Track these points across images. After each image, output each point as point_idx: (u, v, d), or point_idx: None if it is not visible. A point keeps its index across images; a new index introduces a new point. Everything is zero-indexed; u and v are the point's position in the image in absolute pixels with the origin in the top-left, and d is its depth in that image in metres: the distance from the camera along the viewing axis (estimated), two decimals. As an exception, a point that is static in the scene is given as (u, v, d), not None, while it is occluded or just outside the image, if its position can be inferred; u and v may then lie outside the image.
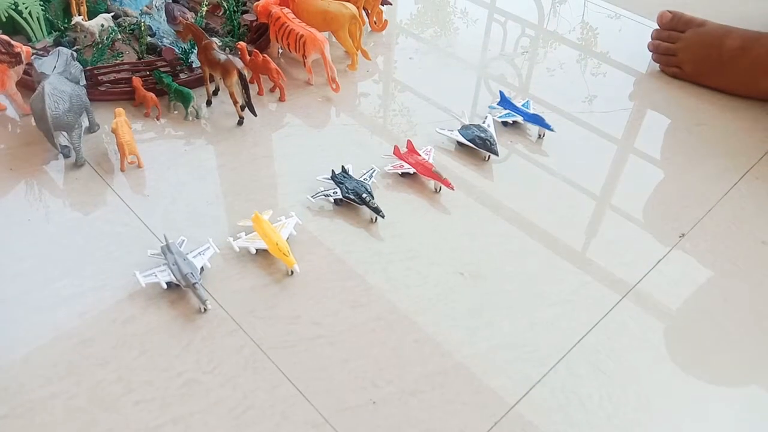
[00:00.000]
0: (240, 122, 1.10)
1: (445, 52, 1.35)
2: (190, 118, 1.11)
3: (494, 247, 0.93)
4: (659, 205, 1.02)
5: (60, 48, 1.04)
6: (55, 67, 1.01)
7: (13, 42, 1.06)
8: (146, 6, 1.34)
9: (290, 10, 1.20)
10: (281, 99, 1.17)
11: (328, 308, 0.82)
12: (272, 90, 1.19)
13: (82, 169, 1.01)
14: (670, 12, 1.24)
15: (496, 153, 1.05)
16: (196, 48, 1.11)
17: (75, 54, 1.05)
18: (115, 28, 1.20)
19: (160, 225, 0.93)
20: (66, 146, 1.02)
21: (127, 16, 1.29)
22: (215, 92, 1.16)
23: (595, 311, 0.85)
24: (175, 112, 1.13)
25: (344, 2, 1.23)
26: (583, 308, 0.85)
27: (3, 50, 1.04)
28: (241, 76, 1.05)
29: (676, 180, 1.07)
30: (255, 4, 1.21)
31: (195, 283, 0.80)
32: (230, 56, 1.06)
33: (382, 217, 0.93)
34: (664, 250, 0.94)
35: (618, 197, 1.03)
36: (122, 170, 1.01)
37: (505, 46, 1.38)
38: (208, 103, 1.14)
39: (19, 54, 1.06)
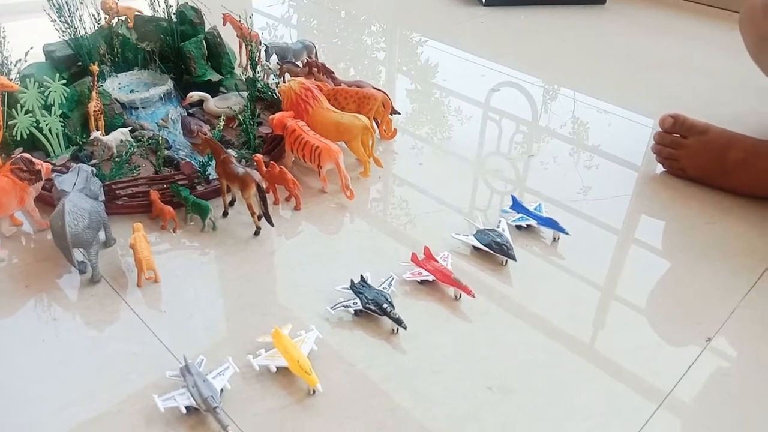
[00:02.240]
0: (257, 233, 1.11)
1: (452, 154, 1.39)
2: (207, 230, 1.12)
3: (520, 356, 0.91)
4: (681, 306, 1.01)
5: (80, 165, 1.06)
6: (75, 184, 1.02)
7: (34, 159, 1.08)
8: (162, 119, 1.38)
9: (304, 123, 1.24)
10: (297, 208, 1.18)
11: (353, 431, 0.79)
12: (287, 199, 1.20)
13: (97, 286, 1.00)
14: (671, 116, 1.28)
15: (513, 258, 1.05)
16: (213, 161, 1.14)
17: (94, 171, 1.07)
18: (133, 143, 1.22)
19: (178, 343, 0.91)
20: (82, 262, 1.02)
21: (144, 129, 1.33)
22: (231, 203, 1.17)
23: (631, 424, 0.82)
24: (192, 223, 1.14)
25: (356, 114, 1.28)
26: (617, 421, 0.82)
27: (24, 168, 1.06)
28: (259, 188, 1.06)
29: (694, 280, 1.06)
30: (270, 117, 1.25)
31: (215, 407, 0.77)
32: (248, 169, 1.08)
33: (404, 328, 0.92)
34: (692, 355, 0.92)
35: (639, 299, 1.02)
36: (139, 286, 1.00)
37: (511, 149, 1.42)
38: (225, 214, 1.15)
39: (39, 171, 1.07)
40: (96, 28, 1.42)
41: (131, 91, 1.41)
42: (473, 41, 1.97)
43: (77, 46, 1.35)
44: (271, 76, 1.53)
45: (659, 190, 1.29)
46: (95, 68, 1.27)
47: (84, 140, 1.25)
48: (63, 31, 1.34)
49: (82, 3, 1.35)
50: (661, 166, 1.33)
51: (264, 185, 1.09)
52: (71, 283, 1.01)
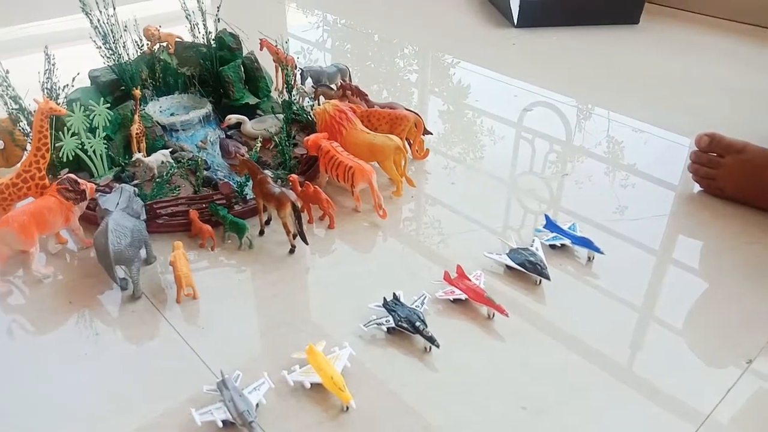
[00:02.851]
0: (292, 251, 1.13)
1: (484, 174, 1.39)
2: (244, 248, 1.14)
3: (554, 376, 0.90)
4: (721, 328, 0.99)
5: (122, 185, 1.10)
6: (117, 203, 1.06)
7: (79, 180, 1.12)
8: (201, 141, 1.42)
9: (338, 144, 1.26)
10: (330, 226, 1.20)
11: (387, 447, 0.80)
12: (321, 218, 1.22)
13: (138, 302, 1.03)
14: (707, 135, 1.26)
15: (547, 277, 1.04)
16: (251, 181, 1.17)
17: (136, 190, 1.10)
18: (174, 164, 1.26)
19: (215, 358, 0.92)
20: (124, 278, 1.05)
21: (183, 150, 1.37)
22: (267, 222, 1.19)
23: (669, 447, 0.80)
24: (229, 241, 1.16)
25: (388, 134, 1.30)
26: (655, 444, 0.80)
27: (70, 188, 1.10)
28: (294, 208, 1.08)
29: (734, 301, 1.04)
30: (305, 138, 1.28)
31: (251, 422, 0.78)
32: (284, 189, 1.10)
33: (437, 346, 0.92)
34: (732, 377, 0.90)
35: (676, 319, 1.00)
36: (178, 302, 1.02)
37: (544, 168, 1.42)
38: (261, 233, 1.17)
39: (83, 191, 1.12)
40: (138, 54, 1.48)
41: (171, 114, 1.46)
42: (505, 62, 1.98)
43: (121, 71, 1.40)
44: (306, 98, 1.57)
45: (697, 210, 1.27)
46: (137, 92, 1.32)
47: (126, 161, 1.30)
48: (108, 57, 1.40)
49: (126, 30, 1.41)
50: (698, 185, 1.32)
51: (299, 205, 1.11)
52: (113, 300, 1.04)
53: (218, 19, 1.47)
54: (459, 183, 1.37)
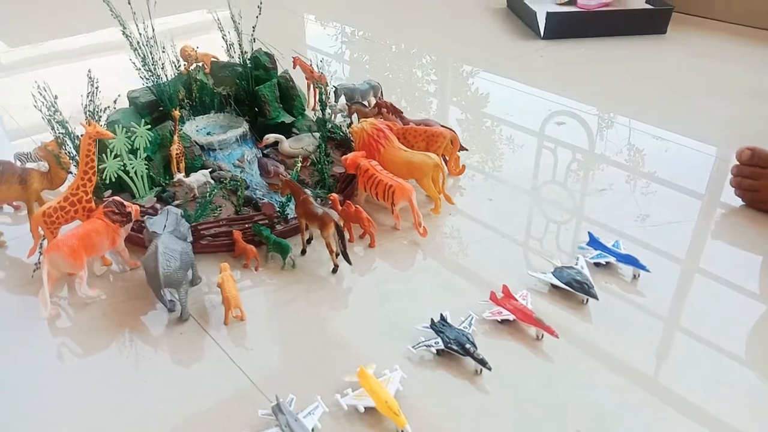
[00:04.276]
0: (334, 270, 1.13)
1: (520, 189, 1.39)
2: (287, 268, 1.15)
3: (606, 400, 0.89)
4: (774, 348, 0.98)
5: (169, 207, 1.11)
6: (165, 225, 1.07)
7: (125, 202, 1.13)
8: (238, 159, 1.43)
9: (377, 162, 1.27)
10: (371, 245, 1.20)
11: (444, 472, 0.79)
12: (361, 236, 1.22)
13: (186, 324, 1.04)
14: (749, 149, 1.26)
15: (595, 297, 1.04)
16: (291, 201, 1.17)
17: (182, 212, 1.11)
18: (216, 186, 1.27)
19: (265, 380, 0.93)
20: (171, 300, 1.06)
21: (222, 170, 1.38)
22: (309, 240, 1.20)
23: (729, 472, 0.79)
24: (271, 261, 1.17)
25: (426, 152, 1.30)
26: (714, 469, 0.79)
27: (116, 210, 1.11)
28: (337, 228, 1.09)
29: (785, 320, 1.03)
30: (343, 157, 1.28)
31: (309, 447, 0.79)
32: (327, 209, 1.11)
33: (489, 369, 0.91)
34: (790, 400, 0.89)
35: (727, 340, 0.99)
36: (226, 324, 1.03)
37: (586, 184, 1.41)
38: (303, 252, 1.18)
39: (129, 213, 1.13)
40: (176, 73, 1.49)
41: (208, 134, 1.47)
42: (534, 74, 1.98)
43: (159, 92, 1.42)
44: (338, 115, 1.57)
45: (743, 224, 1.26)
46: (177, 113, 1.33)
47: (167, 182, 1.31)
48: (147, 79, 1.42)
49: (164, 51, 1.42)
50: (741, 199, 1.30)
51: (342, 224, 1.11)
52: (160, 321, 1.05)
53: (254, 39, 1.48)
54: (496, 199, 1.36)
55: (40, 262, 1.12)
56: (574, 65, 2.05)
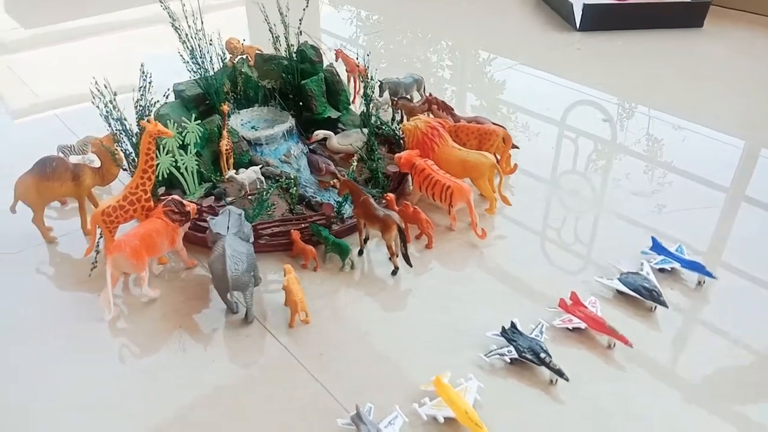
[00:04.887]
0: (394, 272, 1.12)
1: (570, 191, 1.37)
2: (346, 269, 1.13)
3: (683, 408, 0.88)
4: None
5: (229, 207, 1.10)
6: (228, 226, 1.05)
7: (184, 201, 1.12)
8: (284, 155, 1.41)
9: (432, 161, 1.25)
10: (428, 246, 1.19)
11: (530, 485, 0.79)
12: (418, 237, 1.21)
13: (250, 326, 1.03)
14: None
15: (665, 304, 1.02)
16: (349, 201, 1.16)
17: (242, 212, 1.09)
18: (272, 184, 1.24)
19: (338, 387, 0.92)
20: (234, 302, 1.05)
21: (269, 165, 1.36)
22: (365, 240, 1.18)
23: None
24: (329, 262, 1.15)
25: (482, 151, 1.28)
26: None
27: (176, 210, 1.10)
28: (399, 230, 1.07)
29: None
30: (397, 156, 1.26)
31: (395, 459, 0.78)
32: (388, 212, 1.09)
33: (566, 379, 0.90)
34: None
35: (799, 350, 0.98)
36: (291, 327, 1.02)
37: (650, 184, 1.39)
38: (360, 252, 1.17)
39: (188, 213, 1.11)
40: (221, 66, 1.47)
41: (252, 128, 1.45)
42: (572, 67, 1.95)
43: (206, 85, 1.39)
44: (381, 109, 1.54)
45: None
46: (226, 108, 1.31)
47: (218, 178, 1.29)
48: (194, 72, 1.39)
49: (210, 43, 1.40)
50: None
51: (403, 227, 1.10)
52: (222, 323, 1.04)
53: (300, 32, 1.45)
54: (548, 199, 1.35)
55: (96, 261, 1.11)
56: (612, 57, 2.01)
